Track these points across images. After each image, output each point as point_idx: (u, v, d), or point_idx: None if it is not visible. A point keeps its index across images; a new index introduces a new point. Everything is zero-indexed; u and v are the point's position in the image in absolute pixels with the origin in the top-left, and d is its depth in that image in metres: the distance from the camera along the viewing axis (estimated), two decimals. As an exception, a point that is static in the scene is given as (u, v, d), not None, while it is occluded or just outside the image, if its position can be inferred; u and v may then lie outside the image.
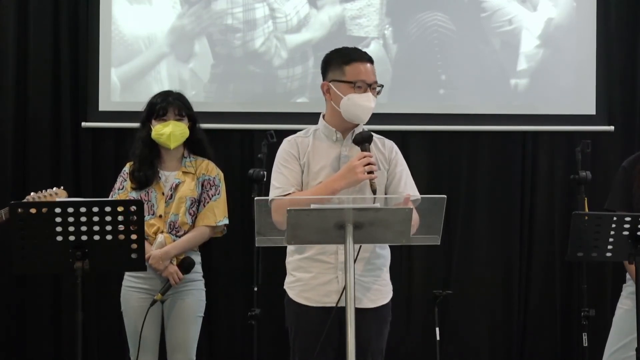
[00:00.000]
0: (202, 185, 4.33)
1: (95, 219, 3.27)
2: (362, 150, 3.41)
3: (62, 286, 5.22)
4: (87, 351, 5.14)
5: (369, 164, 3.34)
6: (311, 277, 3.52)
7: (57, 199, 4.08)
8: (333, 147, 3.55)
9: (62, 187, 4.25)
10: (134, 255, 3.35)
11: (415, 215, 3.28)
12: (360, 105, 3.48)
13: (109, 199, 4.28)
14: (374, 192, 3.32)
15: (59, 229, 3.26)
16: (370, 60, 3.58)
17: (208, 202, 4.32)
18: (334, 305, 3.40)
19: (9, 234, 3.36)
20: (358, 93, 3.48)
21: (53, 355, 5.27)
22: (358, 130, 3.56)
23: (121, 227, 3.30)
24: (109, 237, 3.30)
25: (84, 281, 3.32)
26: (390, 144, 3.66)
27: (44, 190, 4.21)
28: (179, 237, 4.25)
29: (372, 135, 3.49)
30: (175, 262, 4.22)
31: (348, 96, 3.48)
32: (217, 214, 4.31)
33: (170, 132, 4.25)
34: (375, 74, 3.55)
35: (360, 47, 5.03)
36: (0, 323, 5.25)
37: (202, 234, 4.31)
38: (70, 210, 3.26)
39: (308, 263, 3.53)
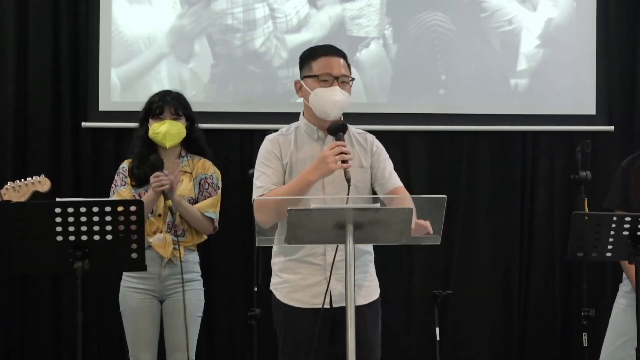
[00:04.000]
0: (200, 184, 4.32)
1: (95, 219, 3.27)
2: (337, 139, 3.38)
3: (62, 286, 5.22)
4: (87, 351, 5.14)
5: (342, 153, 3.30)
6: (300, 279, 3.50)
7: (39, 188, 4.12)
8: (315, 145, 3.53)
9: (42, 175, 4.24)
10: (134, 255, 3.35)
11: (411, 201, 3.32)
12: (325, 99, 3.45)
13: (110, 198, 4.28)
14: (348, 181, 3.29)
15: (59, 229, 3.27)
16: (339, 54, 3.55)
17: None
18: (324, 307, 3.41)
19: (9, 234, 3.35)
20: (324, 87, 3.47)
21: (53, 355, 5.27)
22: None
23: (121, 227, 3.30)
24: (109, 237, 3.30)
25: (84, 281, 3.32)
26: (371, 139, 3.63)
27: (22, 179, 4.19)
28: (178, 236, 4.24)
29: (345, 125, 3.46)
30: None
31: (315, 91, 3.47)
32: (207, 204, 4.29)
33: (166, 130, 4.25)
34: (345, 68, 3.52)
35: (360, 47, 5.11)
36: (0, 323, 5.25)
37: (197, 212, 4.28)
38: (70, 210, 3.26)
39: (295, 265, 3.51)
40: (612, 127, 5.32)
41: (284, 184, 3.49)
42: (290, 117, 5.13)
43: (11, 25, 5.26)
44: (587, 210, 4.48)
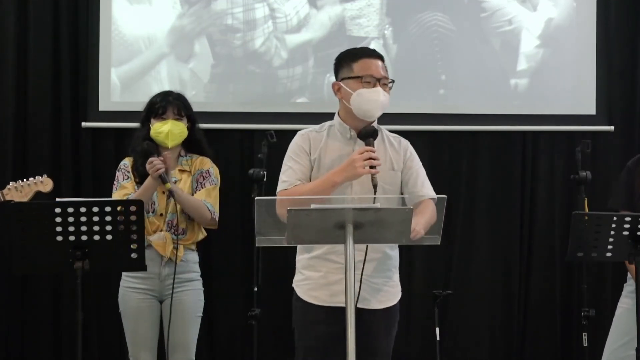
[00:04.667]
0: (197, 179, 4.32)
1: (95, 219, 3.28)
2: (367, 144, 3.41)
3: (62, 286, 5.22)
4: (87, 351, 5.14)
5: (370, 158, 3.32)
6: (320, 276, 3.52)
7: (41, 188, 4.12)
8: (346, 144, 3.55)
9: (45, 175, 4.24)
10: (134, 255, 3.35)
11: (433, 213, 3.33)
12: (369, 100, 3.47)
13: (113, 193, 4.28)
14: (375, 187, 3.30)
15: (59, 229, 3.27)
16: (379, 57, 3.59)
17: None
18: (341, 305, 3.38)
19: (9, 234, 3.35)
20: (367, 88, 3.48)
21: (53, 355, 5.27)
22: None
23: (121, 227, 3.30)
24: (109, 237, 3.30)
25: (84, 281, 3.32)
26: (405, 144, 3.66)
27: (25, 179, 4.19)
28: (178, 235, 4.24)
29: (376, 131, 3.49)
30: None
31: (357, 91, 3.48)
32: (203, 193, 4.28)
33: (168, 130, 4.25)
34: (385, 70, 3.56)
35: (362, 47, 5.06)
36: (0, 323, 5.25)
37: (194, 198, 4.28)
38: (70, 210, 3.26)
39: (317, 262, 3.54)
40: (612, 127, 5.32)
41: (309, 180, 3.51)
42: (290, 117, 5.19)
43: (11, 25, 5.26)
44: (587, 210, 4.48)
